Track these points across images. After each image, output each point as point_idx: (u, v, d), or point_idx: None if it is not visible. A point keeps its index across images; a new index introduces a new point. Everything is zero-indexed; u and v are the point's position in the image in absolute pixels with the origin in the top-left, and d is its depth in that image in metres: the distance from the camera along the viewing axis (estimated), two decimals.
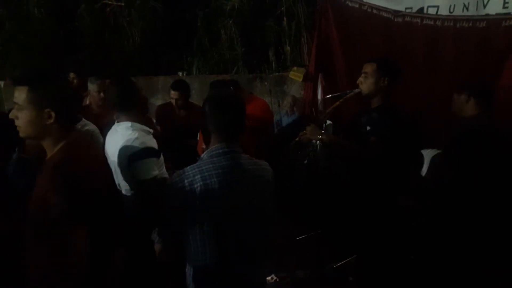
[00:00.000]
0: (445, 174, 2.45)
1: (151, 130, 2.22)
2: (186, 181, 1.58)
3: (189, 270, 1.69)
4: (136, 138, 2.08)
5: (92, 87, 3.47)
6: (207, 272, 1.64)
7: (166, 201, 1.68)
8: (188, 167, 1.64)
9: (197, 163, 1.65)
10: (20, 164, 2.44)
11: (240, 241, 1.64)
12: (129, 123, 2.16)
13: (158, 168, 2.14)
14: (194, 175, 1.58)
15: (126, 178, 2.13)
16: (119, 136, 2.13)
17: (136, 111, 2.21)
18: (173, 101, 3.91)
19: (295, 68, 5.79)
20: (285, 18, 6.87)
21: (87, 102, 4.27)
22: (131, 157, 2.05)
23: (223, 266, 1.63)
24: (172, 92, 3.88)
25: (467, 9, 3.29)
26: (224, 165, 1.61)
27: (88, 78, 3.78)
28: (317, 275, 3.40)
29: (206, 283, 1.66)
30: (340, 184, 3.52)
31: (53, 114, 1.49)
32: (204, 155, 1.68)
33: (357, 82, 2.64)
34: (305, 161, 4.25)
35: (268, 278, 3.15)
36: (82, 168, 1.49)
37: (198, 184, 1.56)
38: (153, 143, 2.15)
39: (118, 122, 2.24)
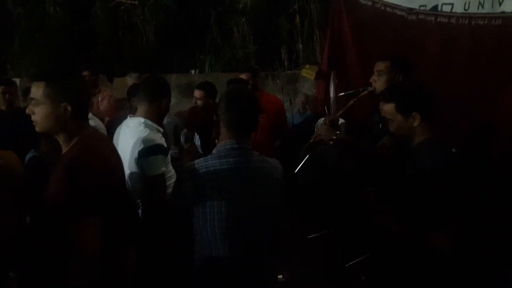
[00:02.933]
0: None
1: (161, 129, 2.25)
2: (193, 174, 1.60)
3: (196, 263, 1.69)
4: (147, 135, 2.11)
5: (130, 80, 3.84)
6: (213, 267, 1.64)
7: (174, 193, 1.72)
8: (196, 161, 1.65)
9: (205, 158, 1.67)
10: (35, 163, 2.51)
11: (246, 238, 1.64)
12: (142, 119, 2.19)
13: (165, 166, 2.17)
14: (200, 169, 1.60)
15: (132, 174, 2.16)
16: (130, 131, 2.17)
17: (157, 108, 2.24)
18: (195, 100, 3.88)
19: (307, 66, 5.78)
20: (297, 16, 6.87)
21: (99, 99, 4.36)
22: (140, 152, 2.08)
23: (229, 262, 1.63)
24: (196, 91, 3.80)
25: (483, 6, 3.24)
26: (231, 161, 1.62)
27: (99, 76, 3.91)
28: (328, 274, 3.40)
29: (212, 278, 1.66)
30: (352, 184, 3.50)
31: (69, 108, 1.53)
32: (213, 150, 1.69)
33: (371, 80, 2.62)
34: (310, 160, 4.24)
35: (280, 276, 3.16)
36: (97, 162, 1.51)
37: (204, 178, 1.58)
38: (162, 141, 2.18)
39: (131, 116, 2.28)
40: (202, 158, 1.67)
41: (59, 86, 1.53)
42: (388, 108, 2.03)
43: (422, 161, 1.92)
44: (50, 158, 2.37)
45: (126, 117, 2.32)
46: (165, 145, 2.20)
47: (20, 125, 3.48)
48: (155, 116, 2.24)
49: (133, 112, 2.37)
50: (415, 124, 1.96)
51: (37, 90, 1.53)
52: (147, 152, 2.08)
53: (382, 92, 2.32)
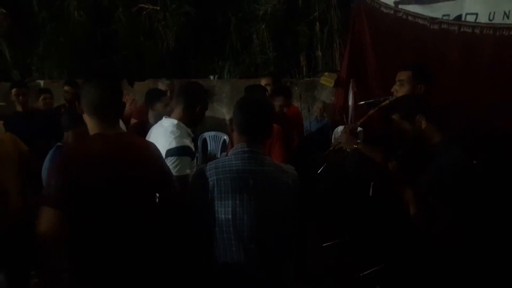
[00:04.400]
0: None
1: (192, 134, 2.32)
2: (203, 175, 1.65)
3: (211, 266, 1.69)
4: (178, 136, 2.18)
5: (162, 86, 4.01)
6: (228, 270, 1.65)
7: (188, 194, 1.74)
8: (210, 162, 1.71)
9: (217, 159, 1.73)
10: (56, 152, 2.66)
11: (256, 243, 1.63)
12: (175, 121, 2.27)
13: (190, 169, 2.21)
14: (211, 170, 1.65)
15: None
16: (163, 130, 2.25)
17: (191, 113, 2.31)
18: None
19: (326, 73, 5.77)
20: (317, 23, 6.87)
21: None
22: (169, 151, 2.14)
23: (240, 268, 1.63)
24: None
25: (508, 17, 3.19)
26: (239, 163, 1.65)
27: (123, 80, 4.04)
28: (343, 283, 3.37)
29: (228, 281, 1.66)
30: (369, 192, 3.47)
31: (79, 106, 1.73)
32: (228, 153, 1.75)
33: (392, 90, 2.60)
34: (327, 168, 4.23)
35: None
36: (80, 159, 1.58)
37: (212, 178, 1.62)
38: (191, 144, 2.24)
39: (166, 117, 2.35)
40: (214, 160, 1.72)
41: (83, 86, 1.74)
42: (395, 120, 2.14)
43: (439, 162, 1.98)
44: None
45: (148, 121, 2.38)
46: (193, 149, 2.27)
47: (35, 125, 3.65)
48: (189, 120, 2.31)
49: (155, 116, 2.42)
50: (423, 126, 2.05)
51: None
52: (176, 152, 2.14)
53: (388, 107, 2.42)
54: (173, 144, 2.14)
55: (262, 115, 1.72)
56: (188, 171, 2.18)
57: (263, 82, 4.00)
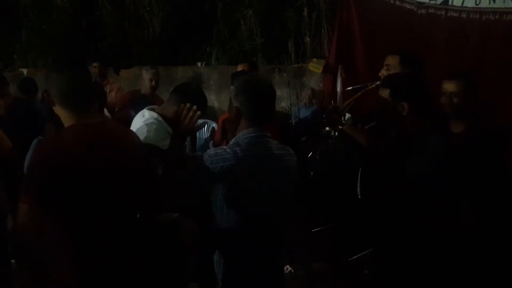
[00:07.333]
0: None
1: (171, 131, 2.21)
2: (217, 159, 1.59)
3: (218, 257, 1.70)
4: (146, 130, 2.09)
5: (146, 74, 3.95)
6: (232, 255, 1.66)
7: (196, 176, 1.67)
8: (218, 148, 1.67)
9: (228, 145, 1.68)
10: (38, 145, 2.59)
11: (264, 226, 1.65)
12: (155, 114, 2.17)
13: None
14: (225, 155, 1.60)
15: None
16: (140, 122, 2.16)
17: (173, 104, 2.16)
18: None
19: (314, 59, 5.75)
20: (305, 9, 6.80)
21: (107, 90, 4.41)
22: None
23: (247, 249, 1.64)
24: None
25: (494, 1, 3.20)
26: (256, 148, 1.63)
27: (108, 68, 3.96)
28: (332, 267, 3.40)
29: (233, 267, 1.67)
30: (357, 178, 3.49)
31: (50, 97, 1.64)
32: (237, 139, 1.67)
33: (379, 74, 2.60)
34: (317, 155, 4.24)
35: (287, 267, 3.18)
36: (62, 152, 1.52)
37: (228, 163, 1.58)
38: (160, 143, 2.10)
39: (148, 108, 2.24)
40: (223, 146, 1.68)
41: (48, 76, 1.66)
42: (384, 93, 2.15)
43: (418, 150, 2.04)
44: None
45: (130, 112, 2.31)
46: (160, 148, 2.10)
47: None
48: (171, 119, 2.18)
49: None
50: (404, 113, 2.07)
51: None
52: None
53: (383, 78, 2.41)
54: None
55: (273, 99, 1.71)
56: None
57: (239, 68, 3.98)
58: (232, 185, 1.60)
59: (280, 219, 1.72)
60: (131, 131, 1.89)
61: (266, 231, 1.66)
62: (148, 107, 2.28)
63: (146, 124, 2.12)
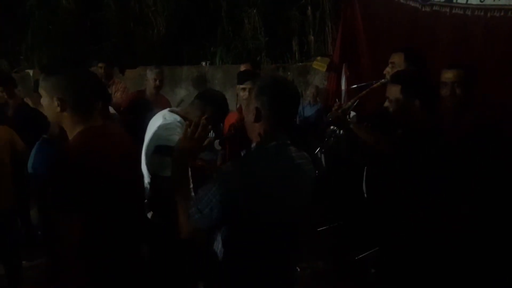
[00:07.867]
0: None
1: None
2: (243, 170, 1.44)
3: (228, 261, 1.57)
4: (175, 134, 2.07)
5: (151, 74, 3.93)
6: (247, 260, 1.52)
7: (217, 186, 1.44)
8: (244, 156, 1.57)
9: (255, 154, 1.53)
10: (42, 145, 2.68)
11: (282, 231, 1.54)
12: (178, 117, 2.17)
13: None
14: (250, 165, 1.46)
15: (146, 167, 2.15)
16: (161, 122, 2.15)
17: (196, 108, 2.20)
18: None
19: (318, 58, 5.74)
20: (309, 7, 6.80)
21: (112, 90, 4.43)
22: (159, 148, 2.07)
23: (263, 254, 1.52)
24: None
25: None
26: (277, 159, 1.49)
27: (113, 67, 3.97)
28: (338, 266, 3.40)
29: (245, 271, 1.54)
30: (362, 176, 3.49)
31: (58, 102, 1.54)
32: (254, 148, 1.55)
33: (384, 72, 2.60)
34: (322, 152, 4.23)
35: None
36: (90, 157, 1.48)
37: (254, 174, 1.43)
38: None
39: (170, 110, 2.24)
40: (246, 158, 1.54)
41: (51, 80, 1.55)
42: (394, 89, 2.13)
43: (425, 148, 2.03)
44: (58, 141, 2.49)
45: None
46: None
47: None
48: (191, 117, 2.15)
49: None
50: (414, 110, 2.07)
51: (41, 82, 1.58)
52: (166, 149, 2.00)
53: (392, 74, 2.39)
54: (164, 142, 2.05)
55: (298, 103, 1.58)
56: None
57: (242, 68, 3.98)
58: (260, 198, 1.44)
59: (296, 229, 1.62)
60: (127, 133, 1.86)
61: (282, 242, 1.55)
62: (169, 109, 2.28)
63: (168, 127, 2.12)
